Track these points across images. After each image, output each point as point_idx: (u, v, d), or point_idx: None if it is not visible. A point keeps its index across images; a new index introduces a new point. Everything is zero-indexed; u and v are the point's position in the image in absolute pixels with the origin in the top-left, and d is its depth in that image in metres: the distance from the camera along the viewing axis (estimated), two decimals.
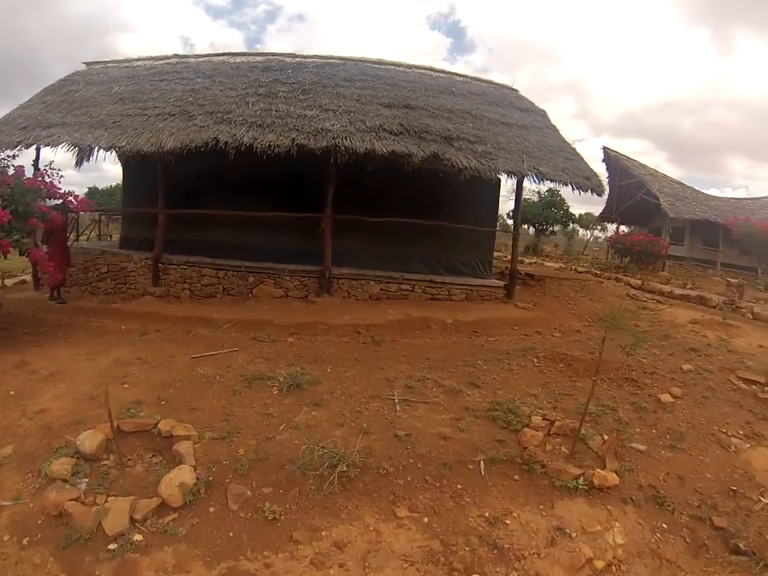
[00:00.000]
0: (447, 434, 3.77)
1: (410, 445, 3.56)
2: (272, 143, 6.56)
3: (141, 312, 7.03)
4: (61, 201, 6.35)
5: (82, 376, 4.69)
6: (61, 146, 6.85)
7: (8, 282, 8.91)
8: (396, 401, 4.24)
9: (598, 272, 14.59)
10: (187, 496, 2.93)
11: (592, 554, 2.75)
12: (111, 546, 2.60)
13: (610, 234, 22.58)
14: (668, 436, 3.99)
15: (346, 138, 6.71)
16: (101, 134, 6.83)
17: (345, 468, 3.10)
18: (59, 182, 6.05)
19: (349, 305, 7.70)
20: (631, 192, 19.92)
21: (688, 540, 2.94)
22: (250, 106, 7.29)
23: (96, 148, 6.82)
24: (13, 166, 5.79)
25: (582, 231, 33.81)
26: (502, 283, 8.72)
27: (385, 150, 6.69)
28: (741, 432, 4.14)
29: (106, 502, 2.89)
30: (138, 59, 9.39)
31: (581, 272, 14.67)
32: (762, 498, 3.31)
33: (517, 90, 10.21)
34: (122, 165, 8.71)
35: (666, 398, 4.66)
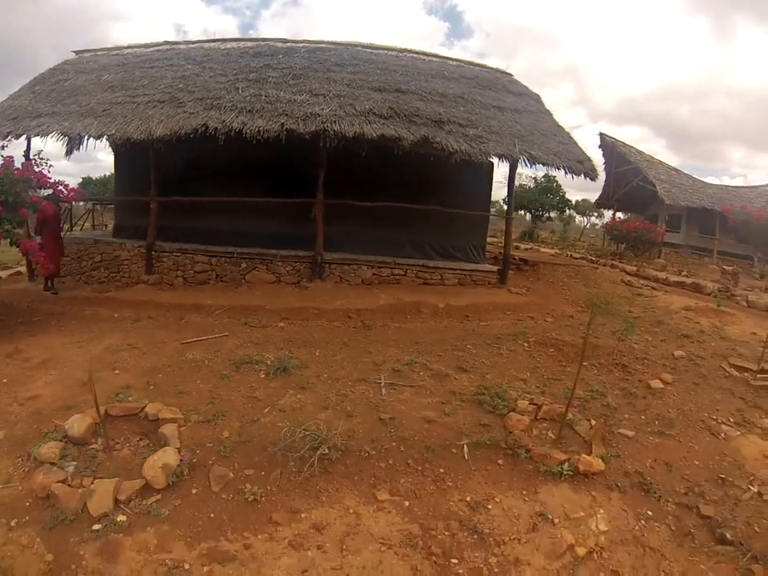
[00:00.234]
0: (432, 417, 3.78)
1: (394, 428, 3.57)
2: (261, 128, 6.54)
3: (134, 300, 7.07)
4: (51, 191, 6.36)
5: (73, 363, 4.74)
6: (51, 135, 6.83)
7: (3, 273, 8.96)
8: (382, 384, 4.27)
9: (594, 258, 14.57)
10: (170, 477, 2.99)
11: (574, 541, 2.75)
12: (95, 527, 2.67)
13: (606, 220, 22.40)
14: (657, 422, 3.98)
15: (335, 122, 6.68)
16: (90, 123, 6.81)
17: (326, 450, 3.13)
18: (48, 172, 6.04)
19: (341, 290, 7.72)
20: (628, 178, 19.77)
21: (673, 528, 2.93)
22: (240, 91, 7.25)
23: (86, 137, 6.79)
24: (2, 156, 5.77)
25: (578, 218, 33.70)
26: (495, 268, 8.71)
27: (374, 134, 6.65)
28: (731, 419, 4.15)
29: (92, 484, 2.94)
30: (128, 47, 9.31)
31: (576, 258, 14.63)
32: (750, 487, 3.29)
33: (511, 75, 10.10)
34: (113, 153, 8.69)
35: (656, 384, 4.64)
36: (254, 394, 4.04)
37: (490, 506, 2.96)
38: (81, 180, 27.59)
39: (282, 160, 7.54)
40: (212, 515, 2.79)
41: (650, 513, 3.03)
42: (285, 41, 9.32)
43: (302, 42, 9.30)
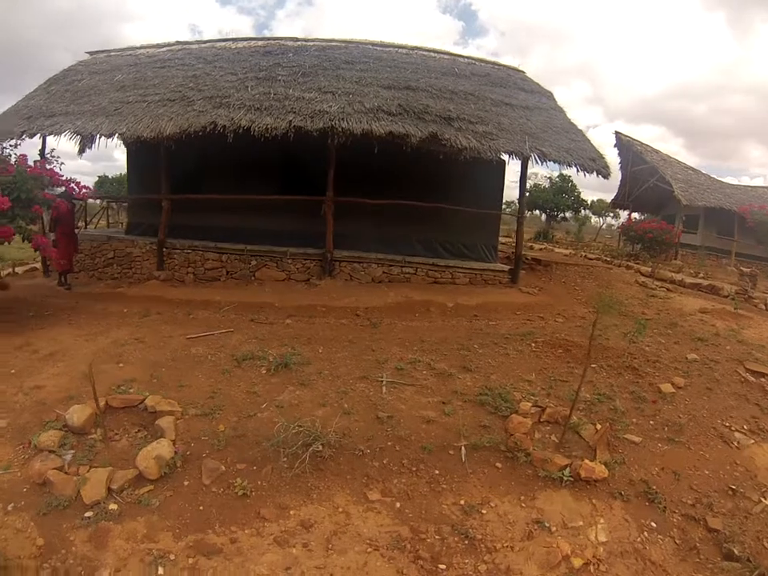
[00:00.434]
0: (431, 417, 3.70)
1: (391, 427, 3.51)
2: (269, 126, 6.55)
3: (144, 296, 7.14)
4: (64, 188, 6.47)
5: (79, 355, 4.80)
6: (63, 134, 6.97)
7: (19, 269, 9.18)
8: (383, 383, 4.21)
9: (608, 259, 14.27)
10: (163, 469, 3.00)
11: (570, 551, 2.64)
12: (87, 514, 2.69)
13: (622, 221, 21.95)
14: (666, 428, 3.83)
15: (343, 119, 6.66)
16: (102, 122, 6.92)
17: (319, 447, 3.09)
18: (60, 170, 6.16)
19: (350, 287, 7.68)
20: (644, 178, 19.36)
21: (678, 541, 2.80)
22: (249, 89, 7.29)
23: (97, 135, 6.90)
24: (15, 154, 5.90)
25: (594, 218, 33.15)
26: (506, 267, 8.57)
27: (382, 131, 6.61)
28: (745, 427, 3.98)
29: (87, 472, 2.97)
30: (140, 47, 9.47)
31: (591, 259, 14.35)
32: (762, 499, 3.14)
33: (523, 72, 9.95)
34: (126, 152, 8.83)
35: (667, 388, 4.46)
36: (254, 389, 4.02)
37: (484, 511, 2.86)
38: (97, 178, 28.16)
39: (292, 158, 7.57)
40: (201, 508, 2.79)
41: (653, 524, 2.89)
42: (296, 39, 9.36)
43: (312, 40, 9.33)
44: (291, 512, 2.75)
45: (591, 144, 8.15)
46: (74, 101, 7.62)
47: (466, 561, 2.54)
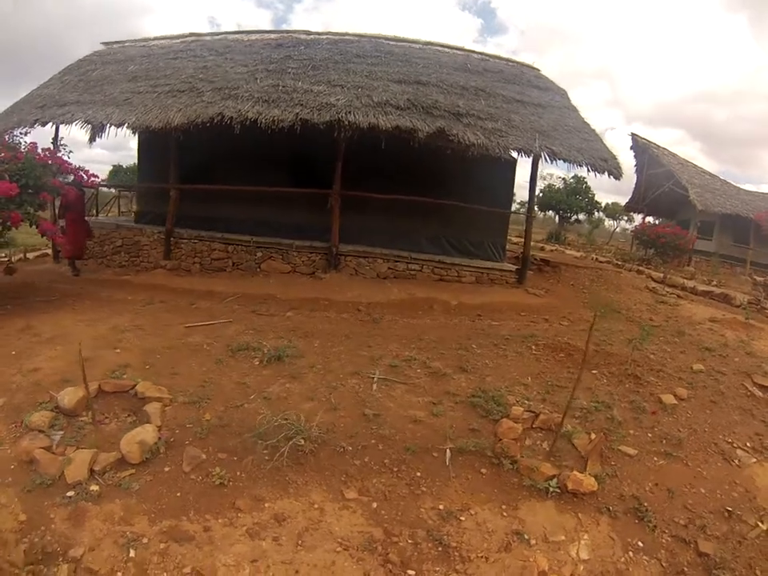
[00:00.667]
0: (419, 417, 3.62)
1: (376, 425, 3.45)
2: (276, 118, 6.55)
3: (150, 284, 7.23)
4: (73, 176, 6.57)
5: (78, 340, 4.77)
6: (75, 123, 7.07)
7: (30, 255, 9.38)
8: (374, 379, 4.15)
9: (619, 263, 14.01)
10: (146, 454, 3.01)
11: (547, 567, 2.52)
12: (69, 494, 2.73)
13: (636, 224, 21.52)
14: (664, 441, 3.68)
15: (350, 112, 6.61)
16: (112, 111, 7.00)
17: (301, 442, 3.06)
18: (69, 158, 6.25)
19: (354, 282, 7.66)
20: (659, 182, 18.94)
21: (664, 564, 2.66)
22: (258, 81, 7.29)
23: (107, 125, 6.98)
24: (25, 142, 6.01)
25: (609, 221, 32.57)
26: (513, 267, 8.45)
27: (389, 125, 6.55)
28: (748, 444, 3.80)
29: (73, 453, 3.01)
30: (154, 38, 9.55)
31: (602, 262, 14.10)
32: (759, 524, 2.99)
33: (538, 70, 9.77)
34: (137, 141, 8.93)
35: (668, 399, 4.30)
36: (244, 380, 4.01)
37: (462, 518, 2.77)
38: (111, 168, 28.51)
39: (301, 151, 7.55)
40: (179, 494, 2.79)
41: (640, 544, 2.75)
42: (308, 32, 9.34)
43: (325, 33, 9.29)
44: (266, 505, 2.73)
45: (603, 144, 7.97)
46: (87, 90, 7.72)
47: (437, 569, 2.47)
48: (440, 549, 2.57)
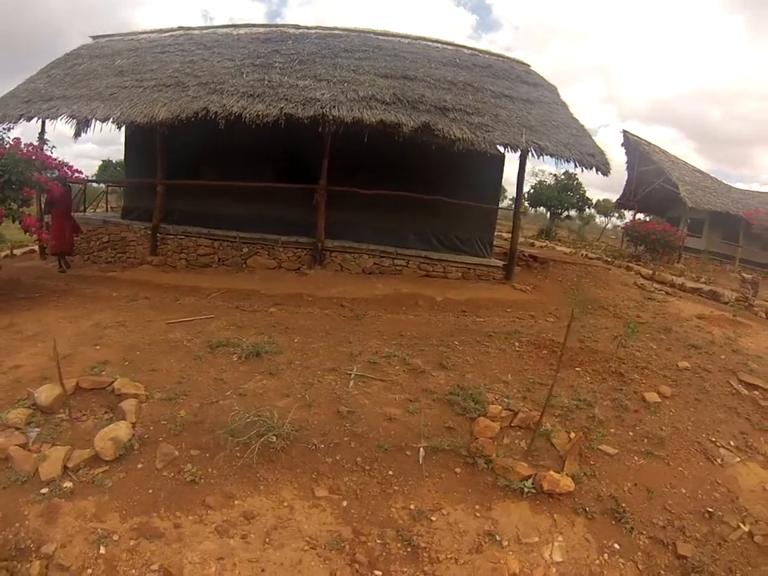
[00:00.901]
0: (394, 414, 3.60)
1: (350, 422, 3.43)
2: (260, 113, 6.53)
3: (135, 280, 7.22)
4: (57, 172, 6.54)
5: (61, 337, 4.83)
6: (60, 118, 7.02)
7: (17, 251, 9.35)
8: (352, 376, 4.15)
9: (609, 259, 14.08)
10: (119, 450, 3.03)
11: (518, 569, 2.50)
12: (43, 490, 2.75)
13: (627, 221, 21.60)
14: (646, 440, 3.67)
15: (334, 107, 6.59)
16: (97, 106, 6.96)
17: (273, 439, 3.07)
18: (51, 153, 6.22)
19: (340, 278, 7.66)
20: (650, 179, 18.99)
21: (640, 567, 2.64)
22: (244, 76, 7.25)
23: (92, 120, 6.94)
24: (8, 138, 5.97)
25: (600, 218, 32.60)
26: (500, 263, 8.47)
27: (373, 120, 6.54)
28: (732, 443, 3.80)
29: (48, 450, 3.02)
30: (143, 32, 9.45)
31: (591, 258, 14.14)
32: (741, 525, 2.96)
33: (528, 65, 9.74)
34: (124, 136, 8.87)
35: (652, 397, 4.29)
36: (221, 376, 4.03)
37: (434, 518, 2.75)
38: (101, 163, 28.38)
39: (288, 146, 7.57)
40: (151, 491, 2.81)
41: (617, 546, 2.73)
42: (297, 27, 9.26)
43: (314, 28, 9.22)
44: (236, 502, 2.75)
45: (592, 140, 7.98)
46: (73, 85, 7.67)
47: (404, 569, 2.47)
48: (409, 549, 2.57)
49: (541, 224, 24.36)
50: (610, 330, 6.30)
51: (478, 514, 2.82)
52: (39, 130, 7.84)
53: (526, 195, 26.24)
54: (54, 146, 6.27)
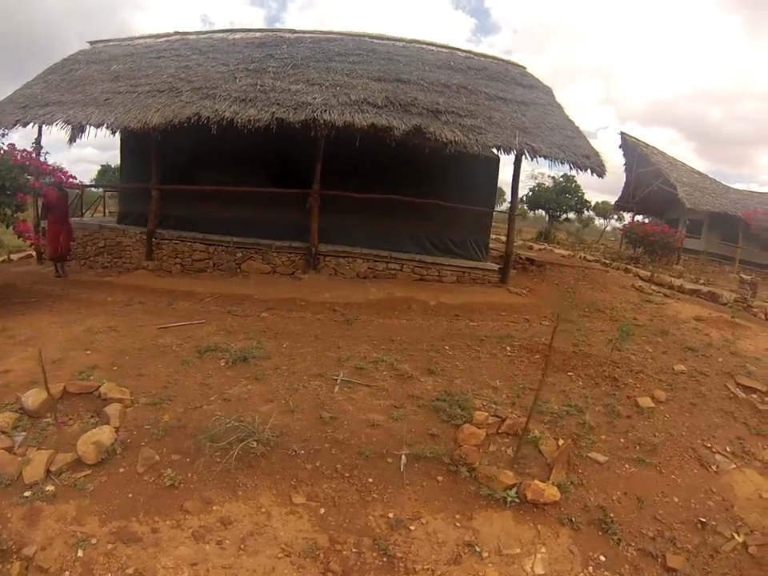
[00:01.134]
0: (377, 421, 3.54)
1: (332, 428, 3.39)
2: (252, 117, 6.55)
3: (131, 285, 7.25)
4: (51, 177, 6.60)
5: (52, 342, 4.89)
6: (55, 123, 7.07)
7: (15, 256, 9.43)
8: (338, 381, 4.12)
9: (607, 261, 14.06)
10: (101, 454, 3.04)
11: None
12: (26, 493, 2.78)
13: (625, 223, 21.56)
14: (638, 447, 3.57)
15: (325, 111, 6.61)
16: (92, 112, 7.00)
17: (253, 444, 3.06)
18: (44, 159, 6.27)
19: (334, 282, 7.67)
20: (648, 180, 18.97)
21: None
22: (237, 81, 7.29)
23: (87, 125, 6.98)
24: (2, 143, 6.04)
25: (599, 220, 32.51)
26: (496, 266, 8.44)
27: (364, 123, 6.55)
28: (728, 449, 3.70)
29: (33, 454, 3.04)
30: (139, 37, 9.52)
31: (590, 261, 14.15)
32: (735, 535, 2.84)
33: (523, 67, 9.73)
34: (120, 141, 8.93)
35: (645, 402, 4.19)
36: (207, 381, 4.03)
37: (412, 527, 2.70)
38: (100, 167, 28.60)
39: (282, 151, 7.56)
40: (131, 495, 2.82)
41: (602, 558, 2.63)
42: (293, 31, 9.31)
43: (309, 32, 9.25)
44: (214, 507, 2.75)
45: (587, 141, 7.95)
46: (69, 90, 7.72)
47: None
48: (384, 559, 2.52)
49: (540, 227, 24.34)
50: (605, 333, 6.22)
51: (458, 524, 2.76)
52: (36, 136, 7.90)
53: (524, 198, 26.32)
54: (47, 152, 6.34)
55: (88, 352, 4.62)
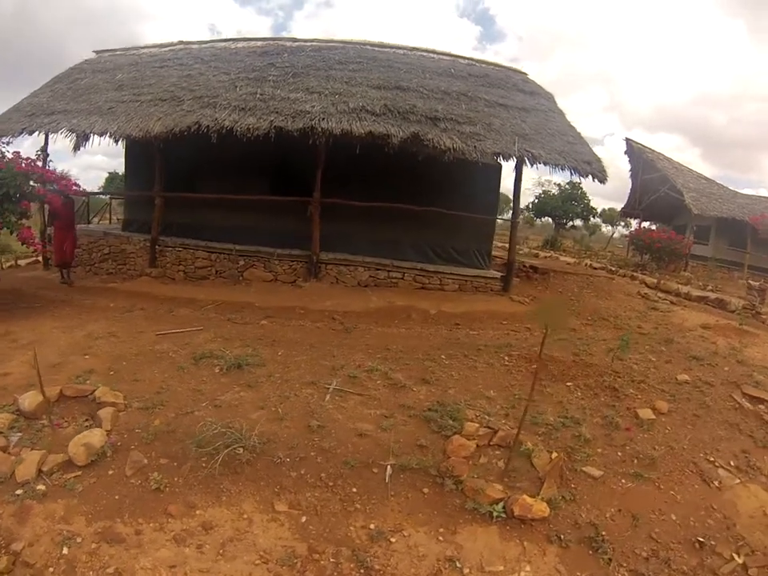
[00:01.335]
0: (366, 430, 3.50)
1: (319, 437, 3.37)
2: (251, 126, 6.62)
3: (134, 291, 7.34)
4: (56, 185, 6.71)
5: (52, 346, 4.96)
6: (60, 132, 7.22)
7: (22, 262, 9.60)
8: (330, 390, 4.11)
9: (613, 269, 13.89)
10: (91, 456, 3.09)
11: None
12: (17, 492, 2.83)
13: (632, 230, 21.36)
14: (635, 461, 3.42)
15: (324, 119, 6.66)
16: (95, 120, 7.13)
17: (239, 450, 3.07)
18: (50, 167, 6.38)
19: (335, 291, 7.68)
20: (655, 186, 18.78)
21: None
22: (237, 89, 7.38)
23: (90, 134, 7.12)
24: (8, 152, 6.16)
25: (606, 227, 32.24)
26: (498, 275, 8.39)
27: (362, 131, 6.58)
28: (732, 463, 3.54)
29: (26, 454, 3.10)
30: (144, 47, 9.69)
31: (596, 268, 13.96)
32: (735, 556, 2.68)
33: (525, 74, 9.73)
34: (124, 149, 9.07)
35: (646, 413, 4.04)
36: (200, 387, 4.05)
37: (393, 539, 2.65)
38: (107, 175, 29.09)
39: (283, 159, 7.61)
40: (117, 497, 2.85)
41: None
42: (295, 40, 9.42)
43: (310, 41, 9.34)
44: (197, 512, 2.76)
45: (588, 147, 7.92)
46: (74, 99, 7.88)
47: None
48: (362, 571, 2.49)
49: (546, 234, 24.15)
50: (607, 342, 6.09)
51: (441, 538, 2.69)
52: (43, 144, 8.04)
53: (530, 206, 26.24)
54: (51, 160, 6.48)
55: (87, 356, 4.68)
